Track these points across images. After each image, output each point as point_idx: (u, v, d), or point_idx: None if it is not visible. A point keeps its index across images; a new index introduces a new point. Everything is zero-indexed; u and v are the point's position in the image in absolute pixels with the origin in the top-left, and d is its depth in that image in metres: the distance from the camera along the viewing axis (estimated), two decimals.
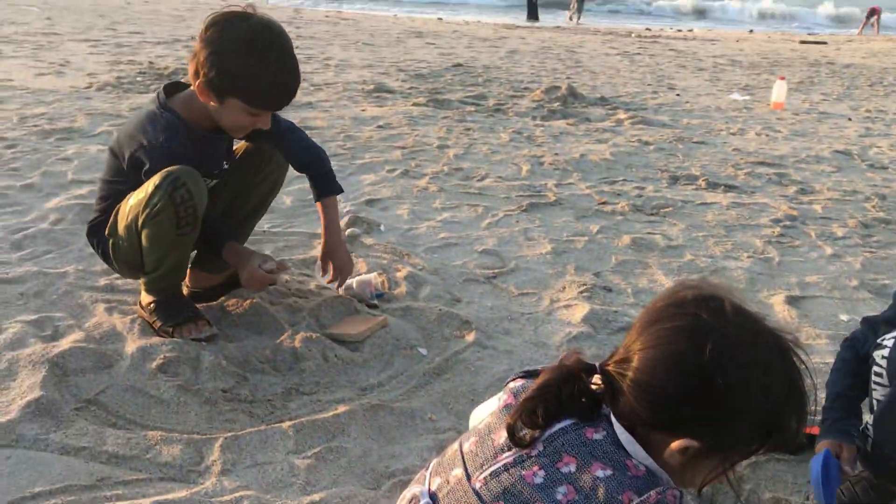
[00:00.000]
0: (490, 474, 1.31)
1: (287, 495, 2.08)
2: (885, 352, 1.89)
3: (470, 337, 2.98)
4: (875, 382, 1.95)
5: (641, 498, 1.19)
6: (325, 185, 3.04)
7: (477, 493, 1.31)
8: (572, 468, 1.25)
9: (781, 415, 1.26)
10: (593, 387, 1.33)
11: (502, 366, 2.79)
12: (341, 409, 2.46)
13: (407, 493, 1.47)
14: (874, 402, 1.98)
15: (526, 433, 1.30)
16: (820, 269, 3.94)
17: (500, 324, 3.15)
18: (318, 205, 3.05)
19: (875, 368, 1.94)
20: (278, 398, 2.54)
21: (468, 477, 1.34)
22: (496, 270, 3.69)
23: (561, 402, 1.30)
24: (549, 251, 3.94)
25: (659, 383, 1.24)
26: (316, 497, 2.06)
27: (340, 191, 3.09)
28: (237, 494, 2.04)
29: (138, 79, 8.14)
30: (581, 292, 3.45)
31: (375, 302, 3.15)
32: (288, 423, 2.37)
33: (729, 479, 1.32)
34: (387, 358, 2.79)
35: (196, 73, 2.51)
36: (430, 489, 1.42)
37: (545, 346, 2.98)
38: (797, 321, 3.31)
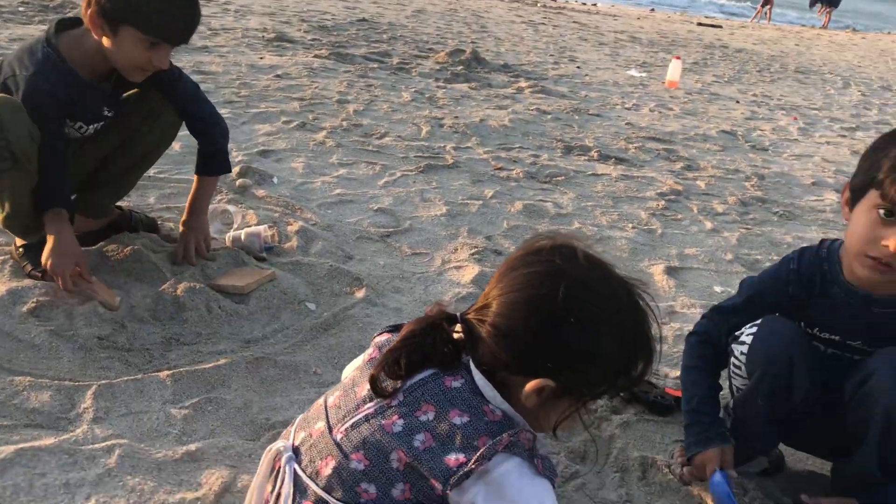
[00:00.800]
0: (351, 426, 1.33)
1: (162, 445, 2.04)
2: (745, 348, 1.99)
3: (360, 294, 2.97)
4: (734, 373, 2.07)
5: (494, 440, 1.23)
6: (210, 164, 2.92)
7: (338, 445, 1.32)
8: (430, 416, 1.28)
9: (629, 355, 1.32)
10: (455, 336, 1.36)
11: (390, 323, 2.79)
12: (223, 360, 2.42)
13: (271, 448, 1.46)
14: (735, 388, 2.10)
15: (388, 384, 1.33)
16: (699, 242, 4.12)
17: (391, 282, 3.16)
18: (196, 176, 2.94)
19: (733, 361, 2.05)
20: (157, 347, 2.48)
21: (330, 429, 1.36)
22: (390, 229, 3.69)
23: (423, 352, 1.33)
24: (444, 213, 3.97)
25: (515, 326, 1.28)
26: (192, 447, 2.03)
27: (226, 170, 2.98)
28: (109, 443, 1.99)
29: (20, 9, 7.64)
30: (472, 254, 3.50)
31: (264, 255, 3.10)
32: (166, 373, 2.31)
33: (581, 419, 1.37)
34: (273, 311, 2.76)
35: (88, 3, 2.36)
36: (293, 444, 1.43)
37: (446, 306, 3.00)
38: (674, 291, 3.46)
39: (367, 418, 1.32)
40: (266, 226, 3.27)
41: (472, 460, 1.22)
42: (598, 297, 1.29)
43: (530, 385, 1.29)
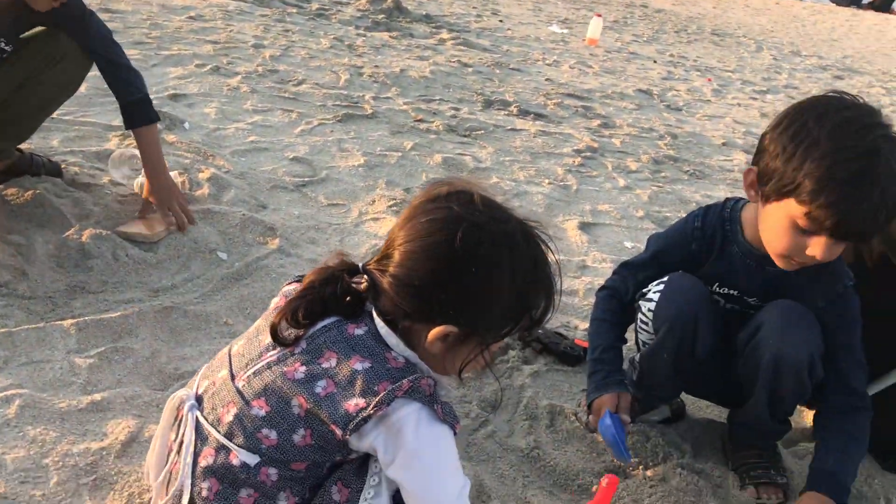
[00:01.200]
0: (253, 373, 1.33)
1: (65, 395, 1.99)
2: (651, 305, 2.05)
3: (274, 244, 2.93)
4: (641, 328, 2.13)
5: (394, 385, 1.24)
6: (141, 112, 2.75)
7: (239, 392, 1.32)
8: (332, 363, 1.29)
9: (529, 296, 1.35)
10: (357, 286, 1.36)
11: (304, 274, 2.77)
12: (130, 309, 2.36)
13: (174, 397, 1.45)
14: (641, 342, 2.17)
15: (290, 332, 1.32)
16: (612, 199, 4.20)
17: (305, 232, 3.12)
18: (134, 133, 2.79)
19: (640, 317, 2.11)
20: (61, 295, 2.39)
21: (232, 377, 1.35)
22: (306, 179, 3.63)
23: (324, 301, 1.32)
24: (362, 164, 3.93)
25: (416, 275, 1.29)
26: (97, 397, 1.98)
27: (154, 120, 2.79)
28: (8, 392, 1.92)
29: None
30: (390, 206, 3.48)
31: None
32: (70, 322, 2.24)
33: (486, 361, 1.39)
34: (183, 260, 2.70)
35: None
36: (196, 392, 1.41)
37: (350, 257, 2.98)
38: (587, 246, 3.53)
39: (269, 366, 1.32)
40: (176, 172, 3.17)
41: (372, 405, 1.23)
42: (496, 240, 1.30)
43: (434, 333, 1.30)
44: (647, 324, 2.08)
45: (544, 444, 2.21)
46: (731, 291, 2.02)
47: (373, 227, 3.27)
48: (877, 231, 1.72)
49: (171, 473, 1.39)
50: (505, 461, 2.12)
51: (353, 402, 1.24)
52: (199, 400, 1.39)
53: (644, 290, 2.11)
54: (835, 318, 1.92)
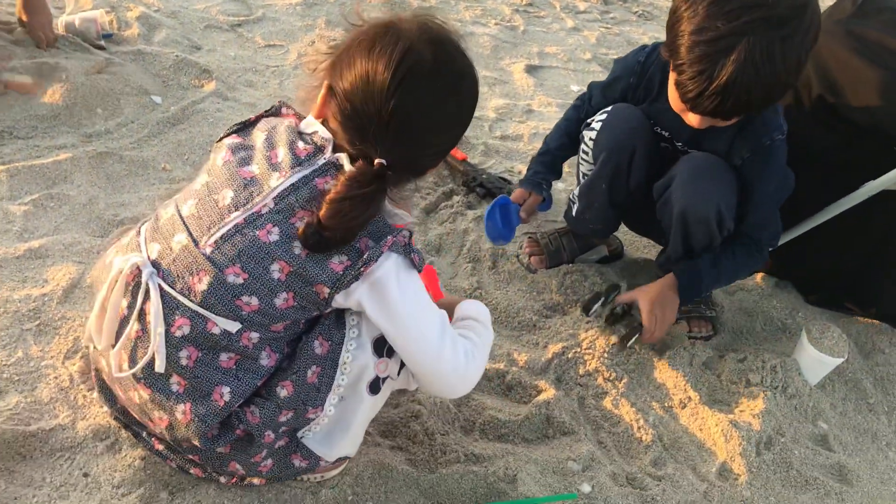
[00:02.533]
0: (220, 238, 1.27)
1: (2, 242, 1.95)
2: (593, 134, 2.06)
3: (209, 86, 2.83)
4: (582, 158, 2.14)
5: (378, 244, 1.25)
6: None
7: (209, 259, 1.26)
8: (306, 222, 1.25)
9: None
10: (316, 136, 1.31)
11: (243, 118, 2.68)
12: (63, 155, 2.28)
13: (119, 263, 1.34)
14: (581, 174, 2.19)
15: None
16: (560, 40, 4.12)
17: (242, 75, 3.01)
18: None
19: (583, 147, 2.11)
20: None
21: (195, 242, 1.28)
22: (241, 18, 3.46)
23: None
24: (300, 2, 3.74)
25: (433, 143, 1.32)
26: (35, 244, 1.95)
27: None
28: None
29: None
30: (330, 47, 3.35)
31: (102, 43, 2.85)
32: (0, 168, 2.16)
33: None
34: (114, 104, 2.59)
35: None
36: (150, 257, 1.33)
37: (289, 100, 2.90)
38: (533, 89, 3.49)
39: (237, 229, 1.26)
40: (103, 10, 3.00)
41: (360, 263, 1.24)
42: (474, 74, 1.35)
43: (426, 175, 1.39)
44: (587, 153, 2.10)
45: (486, 284, 2.27)
46: (664, 132, 2.03)
47: (311, 67, 3.16)
48: (732, 115, 1.71)
49: (131, 342, 1.33)
50: None
51: (337, 260, 1.24)
52: (155, 266, 1.32)
53: (588, 121, 2.12)
54: (754, 170, 1.92)
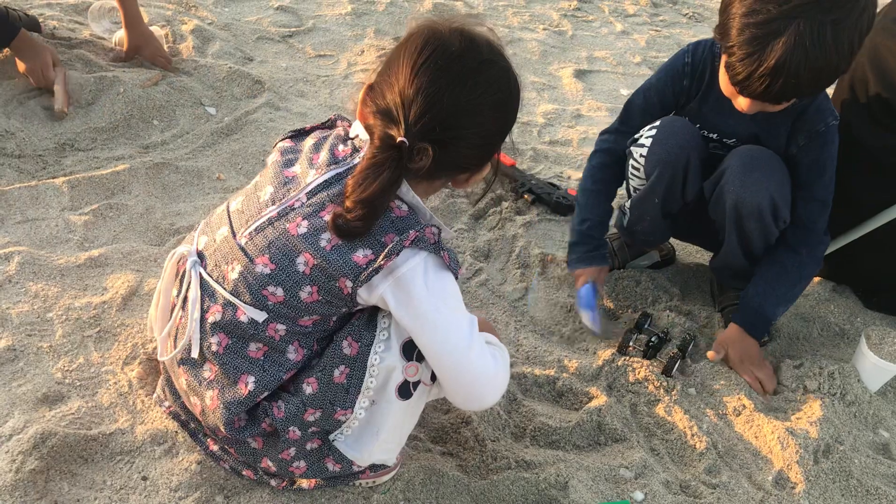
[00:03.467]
0: (255, 230, 1.32)
1: (63, 251, 2.01)
2: (643, 150, 2.02)
3: (262, 97, 2.88)
4: (632, 174, 2.11)
5: (401, 236, 1.25)
6: None
7: (242, 249, 1.32)
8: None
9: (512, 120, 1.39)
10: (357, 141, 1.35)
11: (296, 128, 2.74)
12: (121, 166, 2.35)
13: (175, 252, 1.46)
14: (632, 188, 2.16)
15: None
16: (608, 44, 4.10)
17: (294, 85, 3.06)
18: None
19: (632, 163, 2.09)
20: (50, 154, 2.37)
21: (234, 234, 1.35)
22: (293, 29, 3.52)
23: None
24: (350, 12, 3.79)
25: (474, 137, 1.30)
26: (95, 253, 2.01)
27: None
28: (8, 250, 1.94)
29: None
30: (379, 56, 3.39)
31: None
32: (62, 180, 2.24)
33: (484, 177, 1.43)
34: (170, 116, 2.65)
35: None
36: (197, 248, 1.42)
37: (340, 109, 2.95)
38: (582, 94, 3.47)
39: (270, 222, 1.31)
40: (158, 25, 3.08)
41: (381, 256, 1.24)
42: (514, 77, 1.34)
43: (464, 176, 1.36)
44: (638, 170, 2.07)
45: (536, 290, 2.26)
46: (711, 134, 2.01)
47: (362, 79, 3.20)
48: (781, 98, 1.68)
49: (177, 328, 1.43)
50: (498, 307, 2.18)
51: (361, 254, 1.25)
52: (200, 256, 1.40)
53: (636, 137, 2.09)
54: (808, 156, 1.91)
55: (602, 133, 2.20)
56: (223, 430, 1.38)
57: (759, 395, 1.97)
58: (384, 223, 1.26)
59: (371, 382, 1.36)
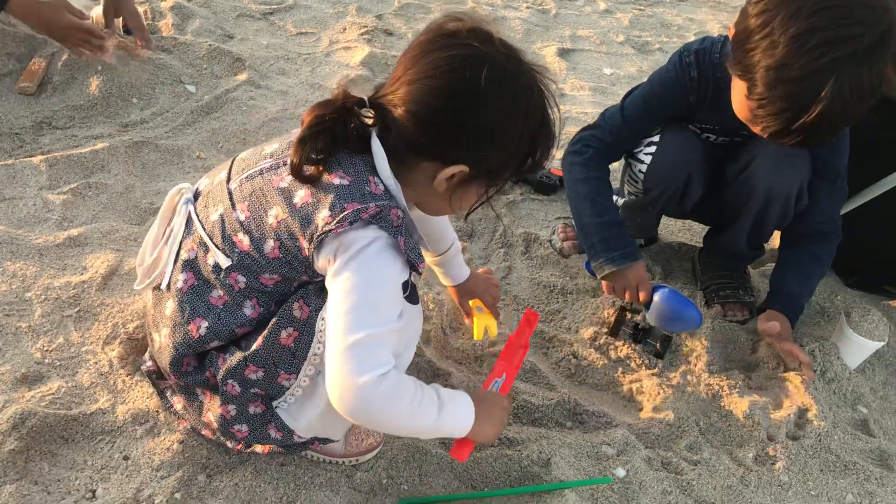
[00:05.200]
0: (247, 177, 1.35)
1: (42, 230, 1.99)
2: (643, 167, 2.01)
3: (242, 75, 2.85)
4: (629, 181, 2.10)
5: (361, 206, 1.23)
6: None
7: (230, 194, 1.35)
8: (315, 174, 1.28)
9: (536, 141, 1.34)
10: (366, 120, 1.32)
11: (276, 106, 2.72)
12: (100, 145, 2.32)
13: (176, 188, 1.48)
14: (627, 191, 2.15)
15: (310, 170, 1.28)
16: (592, 23, 4.08)
17: (275, 63, 3.03)
18: None
19: (630, 173, 2.07)
20: (27, 132, 2.34)
21: (228, 179, 1.38)
22: (273, 6, 3.48)
23: (335, 136, 1.28)
24: None
25: (437, 111, 1.26)
26: (74, 232, 1.98)
27: None
28: None
29: None
30: (362, 34, 3.37)
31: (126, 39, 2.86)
32: (40, 158, 2.21)
33: (491, 204, 1.42)
34: (149, 94, 2.62)
35: None
36: (196, 189, 1.45)
37: (322, 87, 2.93)
38: (566, 72, 3.46)
39: (261, 172, 1.34)
40: (137, 3, 3.02)
41: (335, 220, 1.22)
42: (517, 83, 1.28)
43: (446, 171, 1.29)
44: (636, 182, 2.06)
45: (519, 268, 2.26)
46: (720, 139, 2.01)
47: (344, 57, 3.17)
48: (814, 146, 1.71)
49: (156, 261, 1.44)
50: None
51: (322, 215, 1.24)
52: (196, 196, 1.43)
53: (635, 151, 2.05)
54: (826, 147, 1.90)
55: (584, 131, 2.06)
56: (170, 371, 1.40)
57: (809, 375, 1.94)
58: (354, 192, 1.25)
59: (318, 349, 1.33)
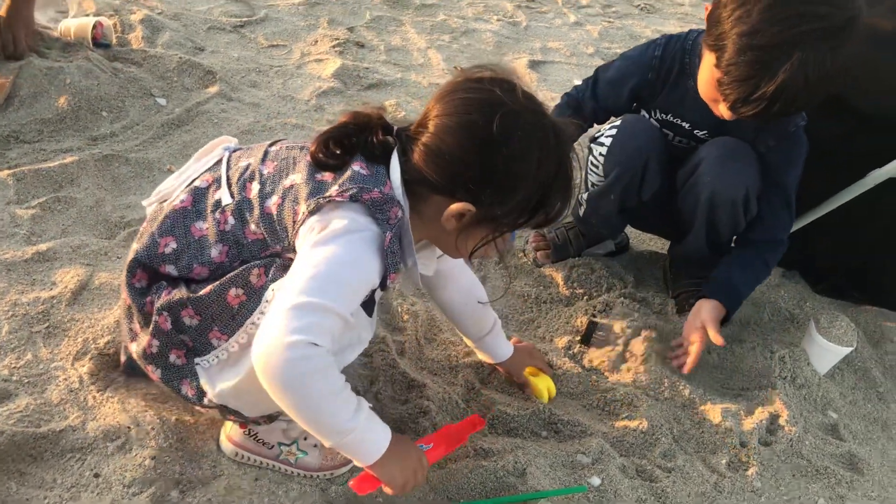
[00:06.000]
0: (287, 147, 1.43)
1: (9, 245, 1.96)
2: (603, 150, 2.05)
3: (213, 88, 2.84)
4: (591, 170, 2.13)
5: (363, 186, 1.28)
6: None
7: (266, 153, 1.43)
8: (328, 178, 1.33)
9: (550, 191, 1.35)
10: (389, 140, 1.37)
11: (248, 118, 2.71)
12: (69, 158, 2.29)
13: (218, 139, 1.56)
14: (590, 182, 2.18)
15: (328, 166, 1.33)
16: (562, 35, 4.12)
17: (246, 76, 3.02)
18: None
19: (592, 159, 2.11)
20: None
21: (272, 144, 1.46)
22: (244, 19, 3.47)
23: (353, 144, 1.34)
24: (302, 2, 3.75)
25: (447, 147, 1.30)
26: (43, 247, 1.96)
27: None
28: None
29: None
30: (333, 46, 3.37)
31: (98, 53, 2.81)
32: (7, 172, 2.18)
33: (497, 247, 1.41)
34: (119, 107, 2.60)
35: None
36: (237, 146, 1.52)
37: (293, 99, 2.92)
38: (537, 84, 3.49)
39: (301, 147, 1.40)
40: (98, 19, 2.98)
41: (340, 191, 1.27)
42: (531, 131, 1.31)
43: (454, 207, 1.31)
44: (597, 167, 2.09)
45: (493, 278, 2.27)
46: (683, 124, 2.03)
47: (316, 69, 3.17)
48: (770, 119, 1.72)
49: (175, 185, 1.50)
50: None
51: (332, 189, 1.29)
52: (236, 151, 1.49)
53: (596, 135, 2.10)
54: (779, 157, 1.94)
55: (565, 94, 2.19)
56: (125, 277, 1.42)
57: (678, 355, 1.98)
58: (367, 181, 1.30)
59: (258, 318, 1.31)
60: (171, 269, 1.39)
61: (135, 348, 1.44)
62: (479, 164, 1.30)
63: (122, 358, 1.59)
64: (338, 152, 1.33)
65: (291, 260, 1.30)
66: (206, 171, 1.46)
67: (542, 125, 1.33)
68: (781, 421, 1.87)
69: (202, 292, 1.34)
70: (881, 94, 2.02)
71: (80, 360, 1.68)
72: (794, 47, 1.56)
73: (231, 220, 1.36)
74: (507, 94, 1.31)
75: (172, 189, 1.49)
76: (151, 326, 1.39)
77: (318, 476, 1.55)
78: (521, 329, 2.11)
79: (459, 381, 1.87)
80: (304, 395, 1.21)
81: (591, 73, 2.18)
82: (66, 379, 1.63)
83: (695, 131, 2.03)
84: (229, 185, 1.39)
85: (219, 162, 1.46)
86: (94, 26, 2.78)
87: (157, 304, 1.37)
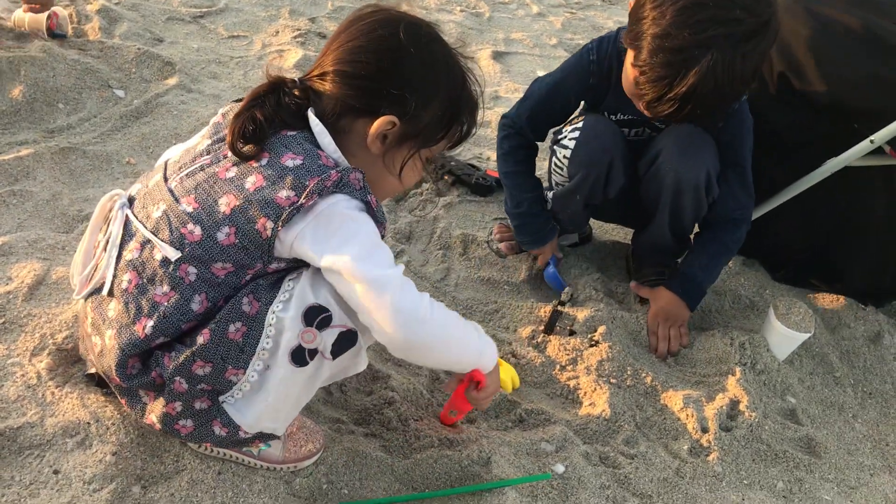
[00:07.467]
0: (186, 175, 1.35)
1: None
2: (567, 152, 2.06)
3: (173, 79, 2.80)
4: (555, 171, 2.14)
5: (322, 176, 1.26)
6: None
7: (171, 191, 1.35)
8: (264, 161, 1.30)
9: (459, 105, 1.41)
10: (299, 96, 1.37)
11: (208, 110, 2.68)
12: (25, 151, 2.25)
13: (106, 197, 1.46)
14: (554, 182, 2.19)
15: (248, 148, 1.31)
16: (525, 26, 4.13)
17: (206, 67, 2.99)
18: None
19: (556, 161, 2.12)
20: None
21: (166, 179, 1.38)
22: (204, 9, 3.43)
23: (271, 110, 1.33)
24: None
25: (365, 67, 1.33)
26: None
27: None
28: None
29: None
30: (295, 37, 3.34)
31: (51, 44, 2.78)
32: None
33: (424, 165, 1.47)
34: (76, 99, 2.55)
35: None
36: (130, 195, 1.44)
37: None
38: (500, 75, 3.49)
39: (202, 167, 1.35)
40: (62, 5, 2.95)
41: (303, 196, 1.25)
42: (432, 40, 1.38)
43: (377, 123, 1.34)
44: (561, 169, 2.10)
45: (457, 270, 2.27)
46: (637, 117, 2.04)
47: (277, 60, 3.14)
48: (684, 121, 1.79)
49: (95, 269, 1.42)
50: (420, 288, 2.17)
51: (284, 195, 1.26)
52: (130, 201, 1.42)
53: (559, 137, 2.11)
54: (729, 135, 1.98)
55: (504, 117, 2.19)
56: (115, 374, 1.37)
57: (656, 355, 2.06)
58: (311, 168, 1.28)
59: (267, 343, 1.33)
60: (160, 341, 1.35)
61: (155, 418, 1.41)
62: (396, 72, 1.34)
63: (91, 372, 1.58)
64: (253, 129, 1.31)
65: (277, 270, 1.33)
66: (121, 240, 1.38)
67: (437, 36, 1.40)
68: (742, 407, 1.90)
69: (202, 341, 1.32)
70: (832, 82, 2.05)
71: (38, 356, 1.65)
72: (705, 51, 1.59)
73: (192, 270, 1.32)
74: (400, 12, 1.38)
75: (97, 273, 1.41)
76: (166, 395, 1.37)
77: (281, 469, 1.54)
78: (485, 319, 2.12)
79: (424, 372, 1.87)
80: (448, 336, 1.42)
81: (554, 64, 2.19)
82: (23, 375, 1.60)
83: (656, 122, 2.04)
84: (164, 241, 1.32)
85: (127, 224, 1.39)
86: (49, 16, 2.73)
87: (167, 374, 1.35)
